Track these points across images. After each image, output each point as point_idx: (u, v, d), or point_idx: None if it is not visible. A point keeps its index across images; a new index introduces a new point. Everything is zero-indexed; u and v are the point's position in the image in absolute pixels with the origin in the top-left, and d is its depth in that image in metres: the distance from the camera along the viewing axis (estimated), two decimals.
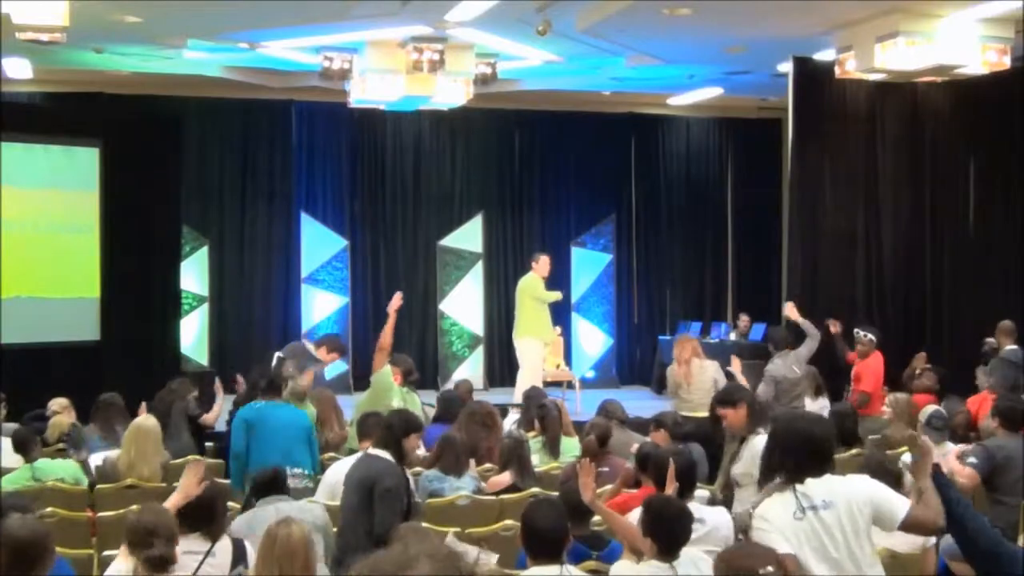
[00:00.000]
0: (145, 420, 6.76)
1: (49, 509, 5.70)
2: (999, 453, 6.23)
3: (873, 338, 9.42)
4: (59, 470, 6.62)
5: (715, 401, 5.73)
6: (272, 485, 5.27)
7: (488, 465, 6.79)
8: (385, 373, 7.72)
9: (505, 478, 6.31)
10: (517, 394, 10.86)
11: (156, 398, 8.16)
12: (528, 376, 10.87)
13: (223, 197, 14.11)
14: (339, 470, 6.14)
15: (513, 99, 13.77)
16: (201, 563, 4.33)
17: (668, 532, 4.08)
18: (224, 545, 4.49)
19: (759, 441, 5.11)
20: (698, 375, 8.34)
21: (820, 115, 11.62)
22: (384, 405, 7.04)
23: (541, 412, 7.53)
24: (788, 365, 8.61)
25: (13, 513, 3.77)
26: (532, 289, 11.32)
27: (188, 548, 4.30)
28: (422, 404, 8.43)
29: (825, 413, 8.49)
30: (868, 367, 9.19)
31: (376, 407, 6.94)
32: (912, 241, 12.01)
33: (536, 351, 11.35)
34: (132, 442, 6.58)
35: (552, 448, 7.28)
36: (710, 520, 4.76)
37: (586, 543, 4.73)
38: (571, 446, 7.34)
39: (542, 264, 11.42)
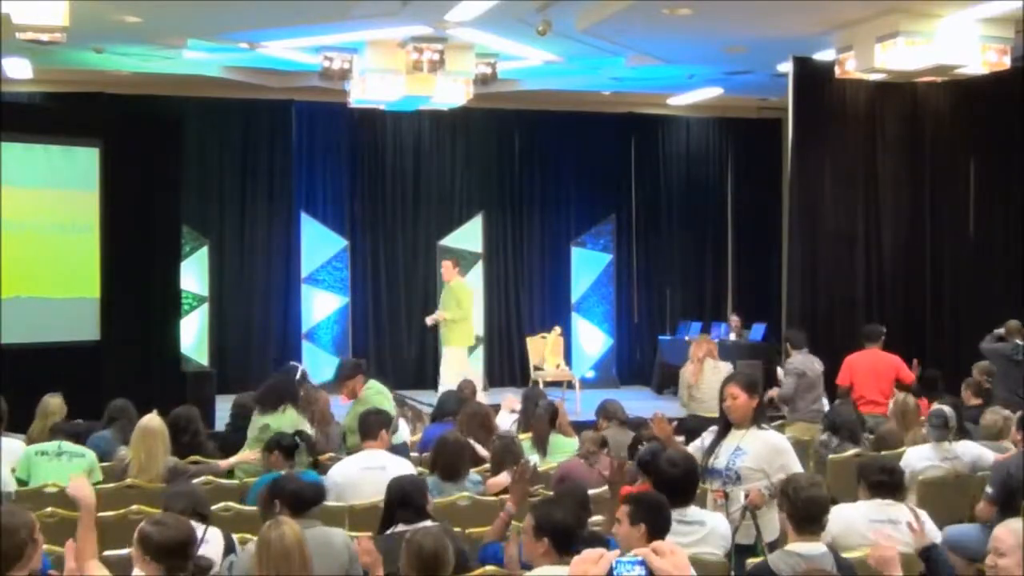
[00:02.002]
0: (151, 420, 6.68)
1: (49, 509, 5.66)
2: (1013, 465, 5.86)
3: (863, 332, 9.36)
4: (83, 451, 6.65)
5: (736, 380, 5.26)
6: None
7: (487, 465, 6.79)
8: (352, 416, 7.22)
9: (503, 478, 6.29)
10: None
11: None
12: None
13: (223, 197, 14.12)
14: (342, 471, 6.12)
15: (513, 99, 13.77)
16: (197, 547, 4.27)
17: (658, 516, 4.26)
18: (215, 533, 4.51)
19: (770, 436, 5.16)
20: (710, 374, 8.26)
21: (820, 115, 11.63)
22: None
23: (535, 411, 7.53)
24: (810, 360, 8.79)
25: None
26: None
27: None
28: (419, 404, 8.40)
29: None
30: (846, 363, 9.12)
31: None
32: (912, 241, 12.01)
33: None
34: (141, 443, 6.52)
35: (540, 447, 7.26)
36: (709, 523, 4.78)
37: (584, 543, 4.72)
38: (568, 446, 7.32)
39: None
